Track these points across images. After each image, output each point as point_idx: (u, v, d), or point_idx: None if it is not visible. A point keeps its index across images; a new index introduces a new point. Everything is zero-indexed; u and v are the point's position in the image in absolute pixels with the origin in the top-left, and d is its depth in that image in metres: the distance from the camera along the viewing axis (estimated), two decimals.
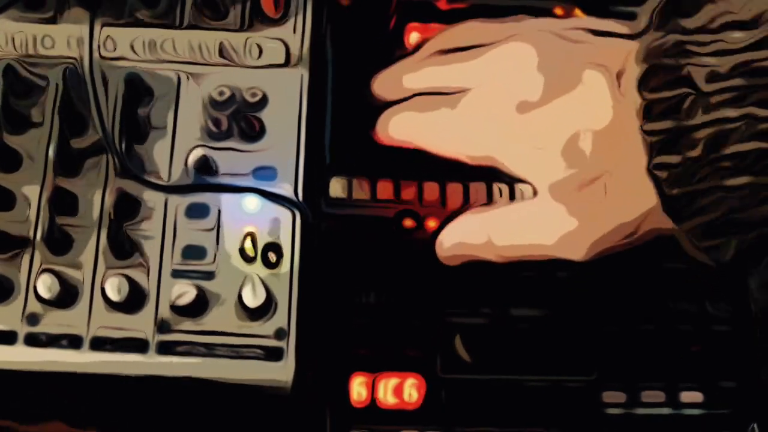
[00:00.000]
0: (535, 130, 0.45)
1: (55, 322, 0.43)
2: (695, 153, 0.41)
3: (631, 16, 0.46)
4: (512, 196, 0.48)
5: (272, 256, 0.44)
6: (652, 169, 0.42)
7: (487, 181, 0.48)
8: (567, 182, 0.45)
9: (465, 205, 0.48)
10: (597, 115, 0.44)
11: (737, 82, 0.40)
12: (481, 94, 0.47)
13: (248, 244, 0.45)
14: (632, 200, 0.44)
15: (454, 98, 0.47)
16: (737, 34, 0.40)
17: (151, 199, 0.46)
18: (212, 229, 0.45)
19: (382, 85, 0.50)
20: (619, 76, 0.44)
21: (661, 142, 0.41)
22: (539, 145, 0.45)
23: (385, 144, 0.49)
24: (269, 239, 0.45)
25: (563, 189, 0.45)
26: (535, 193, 0.47)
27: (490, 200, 0.48)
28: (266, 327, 0.44)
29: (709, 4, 0.41)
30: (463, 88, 0.47)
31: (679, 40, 0.41)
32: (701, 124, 0.40)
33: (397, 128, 0.49)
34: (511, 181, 0.47)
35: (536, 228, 0.46)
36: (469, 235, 0.47)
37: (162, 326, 0.44)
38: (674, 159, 0.41)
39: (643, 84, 0.42)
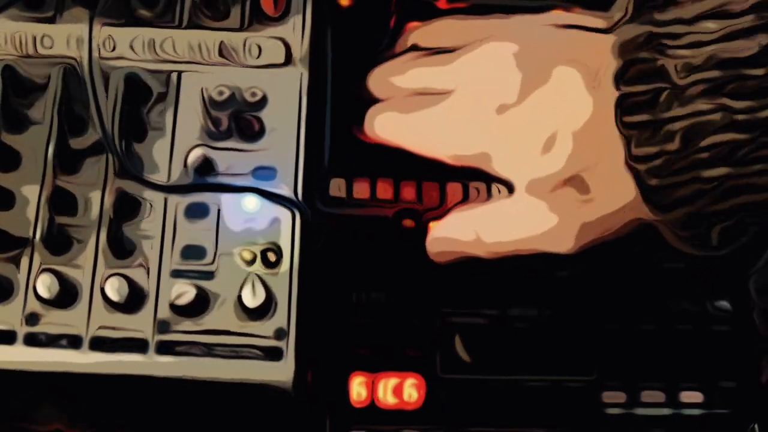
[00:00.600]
0: (514, 129, 0.46)
1: (54, 321, 0.43)
2: (672, 145, 0.41)
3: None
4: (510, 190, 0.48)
5: (271, 252, 0.44)
6: (630, 162, 0.42)
7: (486, 181, 0.48)
8: (546, 180, 0.45)
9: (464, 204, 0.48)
10: (574, 112, 0.44)
11: (711, 73, 0.40)
12: (462, 95, 0.47)
13: (247, 244, 0.45)
14: (613, 193, 0.44)
15: (437, 99, 0.48)
16: (710, 25, 0.41)
17: (151, 198, 0.46)
18: (212, 229, 0.45)
19: (375, 83, 0.50)
20: (595, 71, 0.44)
21: (638, 135, 0.42)
22: (518, 144, 0.46)
23: (368, 141, 0.49)
24: (268, 239, 0.45)
25: (542, 187, 0.46)
26: (513, 190, 0.47)
27: (489, 194, 0.48)
28: (266, 327, 0.44)
29: None
30: (446, 89, 0.48)
31: (653, 32, 0.42)
32: (677, 117, 0.41)
33: (381, 127, 0.49)
34: (499, 180, 0.48)
35: (520, 223, 0.47)
36: (457, 231, 0.48)
37: (161, 326, 0.44)
38: (652, 151, 0.41)
39: (619, 78, 0.42)
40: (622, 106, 0.42)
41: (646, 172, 0.42)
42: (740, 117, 0.40)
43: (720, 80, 0.40)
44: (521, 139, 0.46)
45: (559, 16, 0.48)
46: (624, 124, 0.42)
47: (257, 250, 0.44)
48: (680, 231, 0.44)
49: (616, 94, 0.43)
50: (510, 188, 0.47)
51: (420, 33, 0.51)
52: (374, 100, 0.50)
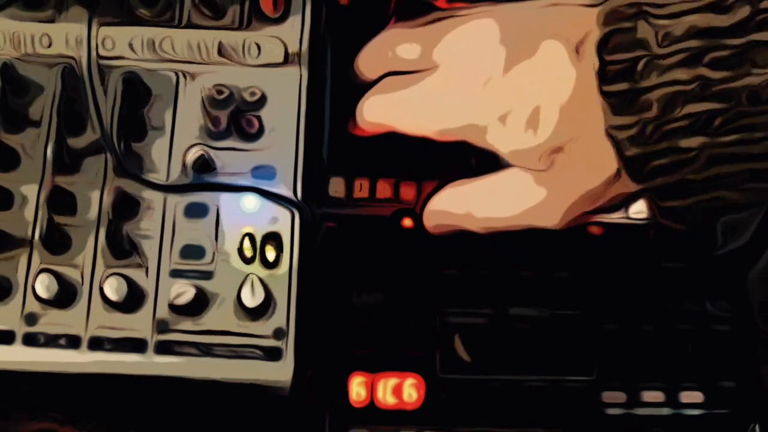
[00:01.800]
0: (499, 103, 0.46)
1: (53, 321, 0.43)
2: (650, 114, 0.41)
3: None
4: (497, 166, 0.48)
5: (271, 251, 0.44)
6: (609, 131, 0.43)
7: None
8: (532, 153, 0.45)
9: None
10: (558, 84, 0.44)
11: (690, 43, 0.41)
12: (447, 70, 0.47)
13: (247, 243, 0.45)
14: (597, 165, 0.44)
15: (422, 76, 0.47)
16: None
17: (150, 198, 0.46)
18: (211, 228, 0.45)
19: (362, 62, 0.50)
20: (579, 43, 0.44)
21: (617, 103, 0.42)
22: (503, 117, 0.46)
23: (363, 134, 0.49)
24: (268, 239, 0.45)
25: (528, 160, 0.46)
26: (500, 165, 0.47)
27: None
28: (265, 327, 0.44)
29: None
30: (431, 65, 0.47)
31: (636, 2, 0.42)
32: (655, 86, 0.41)
33: (371, 112, 0.49)
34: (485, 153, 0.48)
35: (509, 199, 0.47)
36: (451, 205, 0.48)
37: (160, 326, 0.44)
38: (630, 120, 0.42)
39: (601, 47, 0.43)
40: (603, 76, 0.42)
41: (624, 141, 0.42)
42: (717, 87, 0.40)
43: (698, 50, 0.40)
44: (507, 113, 0.45)
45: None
46: (604, 94, 0.42)
47: (258, 235, 0.44)
48: (660, 202, 0.44)
49: (598, 63, 0.43)
50: (497, 162, 0.47)
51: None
52: (363, 82, 0.50)
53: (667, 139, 0.41)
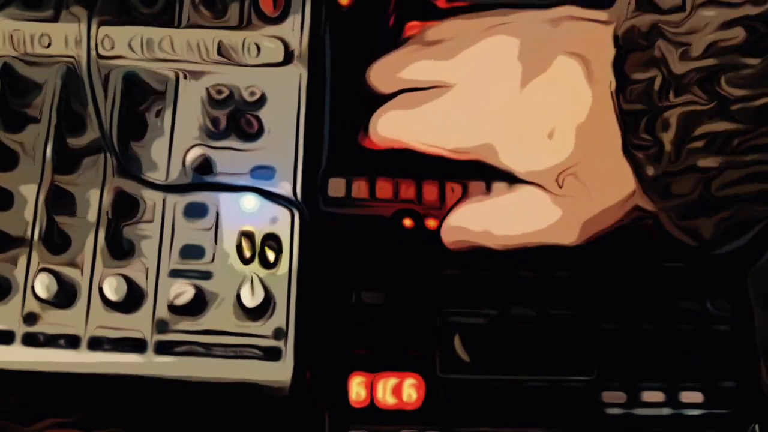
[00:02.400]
0: (515, 121, 0.46)
1: (52, 321, 0.43)
2: (668, 134, 0.41)
3: None
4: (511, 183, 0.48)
5: (270, 251, 0.44)
6: (627, 151, 0.42)
7: (486, 179, 0.48)
8: (548, 173, 0.45)
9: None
10: (574, 103, 0.44)
11: (708, 62, 0.40)
12: (463, 88, 0.47)
13: (246, 243, 0.45)
14: (614, 183, 0.44)
15: (438, 93, 0.48)
16: (709, 13, 0.40)
17: (150, 198, 0.46)
18: (210, 228, 0.45)
19: (377, 76, 0.50)
20: (595, 61, 0.44)
21: (635, 123, 0.42)
22: (518, 136, 0.46)
23: (377, 148, 0.49)
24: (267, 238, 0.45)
25: (545, 179, 0.46)
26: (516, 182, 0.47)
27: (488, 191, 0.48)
28: (265, 327, 0.44)
29: None
30: (447, 83, 0.48)
31: (653, 20, 0.42)
32: (673, 105, 0.41)
33: (385, 127, 0.49)
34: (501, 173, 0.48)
35: (526, 217, 0.47)
36: (469, 222, 0.48)
37: (160, 326, 0.44)
38: (648, 140, 0.42)
39: (617, 66, 0.42)
40: (620, 95, 0.42)
41: (643, 161, 0.42)
42: (735, 106, 0.40)
43: (716, 69, 0.40)
44: (522, 131, 0.46)
45: (561, 10, 0.48)
46: (622, 113, 0.42)
47: (257, 238, 0.44)
48: (678, 221, 0.43)
49: (614, 82, 0.43)
50: (512, 181, 0.47)
51: (431, 32, 0.51)
52: (375, 95, 0.50)
53: (686, 159, 0.41)
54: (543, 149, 0.45)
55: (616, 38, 0.43)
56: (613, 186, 0.44)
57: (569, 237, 0.46)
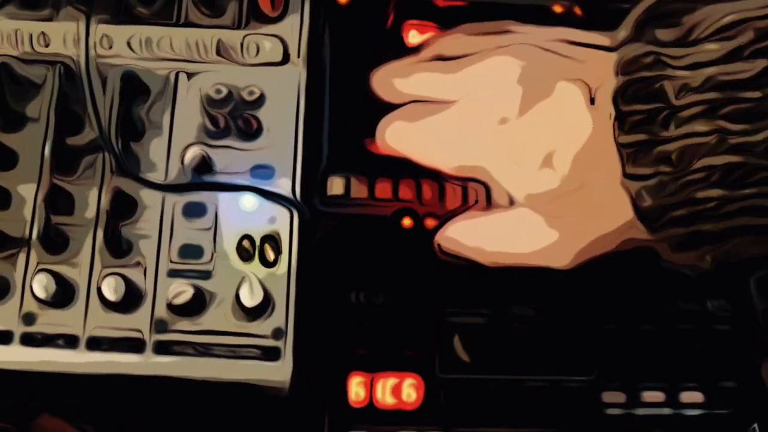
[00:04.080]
0: (514, 143, 0.46)
1: (51, 321, 0.43)
2: (667, 166, 0.41)
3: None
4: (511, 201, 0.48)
5: (269, 251, 0.44)
6: (625, 181, 0.43)
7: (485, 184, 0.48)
8: (544, 197, 0.45)
9: (463, 205, 0.48)
10: (573, 129, 0.44)
11: (708, 95, 0.40)
12: (465, 106, 0.47)
13: (245, 243, 0.45)
14: (611, 212, 0.44)
15: (441, 108, 0.48)
16: (711, 46, 0.41)
17: (148, 197, 0.45)
18: (209, 228, 0.45)
19: (379, 83, 0.50)
20: (595, 89, 0.44)
21: (634, 153, 0.42)
22: (517, 158, 0.46)
23: (382, 153, 0.49)
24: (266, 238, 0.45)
25: (541, 203, 0.46)
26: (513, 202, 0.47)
27: (488, 200, 0.48)
28: (264, 326, 0.44)
29: (688, 15, 0.42)
30: (449, 99, 0.48)
31: (655, 52, 0.42)
32: (673, 138, 0.41)
33: (392, 138, 0.49)
34: None
35: (520, 237, 0.47)
36: (464, 236, 0.48)
37: (159, 326, 0.44)
38: (647, 171, 0.42)
39: (618, 96, 0.43)
40: (620, 125, 0.42)
41: (640, 191, 0.42)
42: (735, 140, 0.40)
43: (716, 102, 0.40)
44: (521, 154, 0.46)
45: (564, 32, 0.48)
46: (620, 143, 0.42)
47: (256, 238, 0.44)
48: (674, 252, 0.44)
49: (614, 112, 0.43)
50: (510, 199, 0.47)
51: (439, 44, 0.50)
52: (377, 100, 0.50)
53: (685, 191, 0.41)
54: (540, 174, 0.45)
55: (618, 67, 0.43)
56: (610, 214, 0.44)
57: (562, 260, 0.46)
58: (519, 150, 0.46)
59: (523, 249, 0.47)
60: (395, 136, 0.49)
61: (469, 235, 0.48)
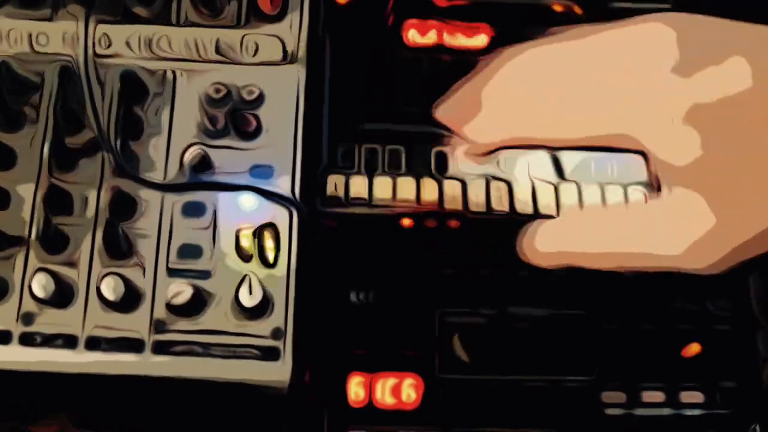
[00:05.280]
0: (674, 107, 0.40)
1: (50, 321, 0.43)
2: None
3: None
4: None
5: (269, 251, 0.44)
6: None
7: (485, 181, 0.48)
8: (709, 166, 0.39)
9: (463, 205, 0.48)
10: (742, 106, 0.39)
11: None
12: (611, 69, 0.42)
13: (244, 243, 0.45)
14: None
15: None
16: None
17: (147, 197, 0.45)
18: (208, 227, 0.45)
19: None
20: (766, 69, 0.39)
21: None
22: (677, 122, 0.39)
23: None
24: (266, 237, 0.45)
25: (704, 173, 0.39)
26: (658, 188, 0.42)
27: (488, 200, 0.48)
28: (263, 326, 0.44)
29: None
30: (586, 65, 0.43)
31: None
32: None
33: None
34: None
35: (660, 231, 0.41)
36: (570, 240, 0.44)
37: (158, 326, 0.43)
38: None
39: None
40: None
41: None
42: None
43: None
44: (679, 117, 0.39)
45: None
46: None
47: (255, 237, 0.44)
48: None
49: None
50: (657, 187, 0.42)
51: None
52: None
53: None
54: (703, 140, 0.39)
55: None
56: None
57: (708, 260, 0.40)
58: (679, 115, 0.40)
59: (664, 248, 0.41)
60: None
61: (577, 239, 0.44)
